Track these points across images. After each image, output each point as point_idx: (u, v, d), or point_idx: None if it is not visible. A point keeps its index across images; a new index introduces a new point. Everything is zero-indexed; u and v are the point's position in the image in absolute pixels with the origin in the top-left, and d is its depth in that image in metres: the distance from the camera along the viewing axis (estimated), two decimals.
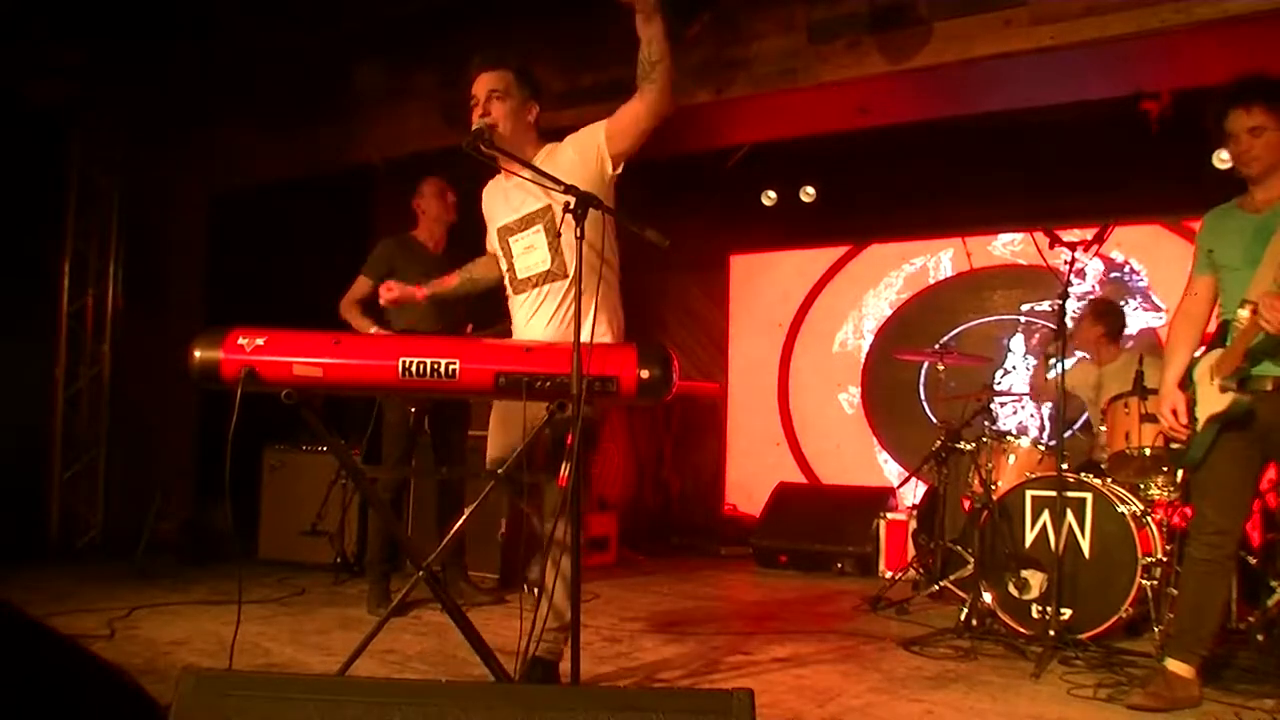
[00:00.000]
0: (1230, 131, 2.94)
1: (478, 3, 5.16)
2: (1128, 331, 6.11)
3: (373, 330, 4.25)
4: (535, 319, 2.95)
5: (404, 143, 5.74)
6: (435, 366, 2.50)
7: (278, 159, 6.21)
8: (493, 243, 3.18)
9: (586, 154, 2.86)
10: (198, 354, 2.51)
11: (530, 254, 2.93)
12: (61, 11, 5.33)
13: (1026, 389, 5.63)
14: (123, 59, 5.80)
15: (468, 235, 4.64)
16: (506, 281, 3.07)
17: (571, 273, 2.80)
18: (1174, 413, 3.00)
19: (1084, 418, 5.08)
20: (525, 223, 2.93)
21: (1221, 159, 4.71)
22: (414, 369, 2.50)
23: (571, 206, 2.55)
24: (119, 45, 5.66)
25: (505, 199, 3.01)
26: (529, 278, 2.95)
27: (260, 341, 2.50)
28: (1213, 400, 2.92)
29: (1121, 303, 6.13)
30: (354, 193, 6.15)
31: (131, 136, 6.37)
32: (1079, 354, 5.11)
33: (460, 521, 2.88)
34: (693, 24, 4.66)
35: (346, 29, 5.41)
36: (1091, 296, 5.34)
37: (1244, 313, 2.80)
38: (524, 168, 2.74)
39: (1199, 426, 2.94)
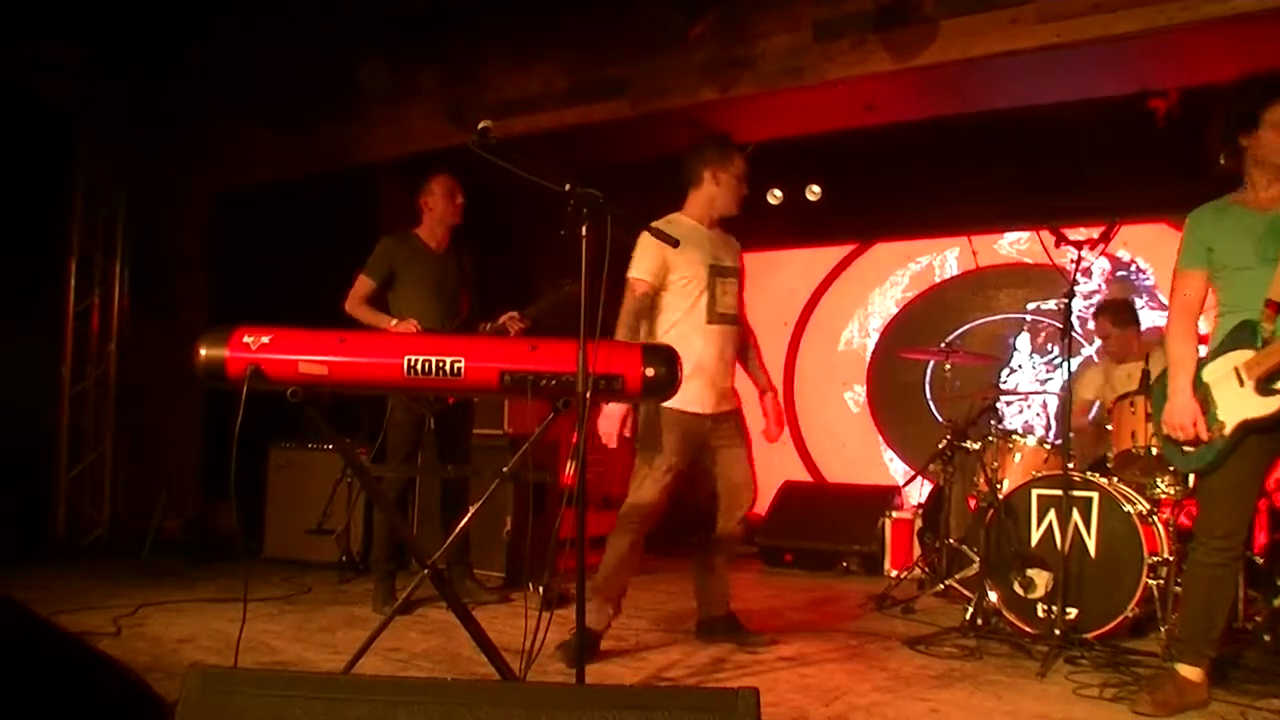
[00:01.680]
0: (1271, 122, 2.84)
1: (480, 2, 5.15)
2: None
3: (393, 323, 4.23)
4: (726, 352, 3.62)
5: (407, 142, 5.73)
6: (440, 364, 2.50)
7: (281, 158, 6.22)
8: None
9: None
10: (203, 352, 2.51)
11: (725, 298, 3.62)
12: (63, 11, 5.33)
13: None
14: (125, 59, 5.81)
15: (469, 236, 4.63)
16: (703, 312, 3.57)
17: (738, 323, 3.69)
18: (1194, 424, 2.87)
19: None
20: (728, 273, 3.66)
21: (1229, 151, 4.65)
22: (419, 367, 2.50)
23: (574, 205, 2.56)
24: (121, 45, 5.67)
25: (707, 244, 3.65)
26: (725, 314, 3.61)
27: (265, 340, 2.50)
28: (1241, 402, 2.82)
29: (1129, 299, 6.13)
30: (357, 192, 6.15)
31: (135, 136, 6.38)
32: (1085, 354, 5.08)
33: (465, 520, 2.89)
34: (698, 23, 4.65)
35: (348, 28, 5.41)
36: (1101, 302, 5.26)
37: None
38: (522, 172, 2.76)
39: (1226, 430, 2.84)
